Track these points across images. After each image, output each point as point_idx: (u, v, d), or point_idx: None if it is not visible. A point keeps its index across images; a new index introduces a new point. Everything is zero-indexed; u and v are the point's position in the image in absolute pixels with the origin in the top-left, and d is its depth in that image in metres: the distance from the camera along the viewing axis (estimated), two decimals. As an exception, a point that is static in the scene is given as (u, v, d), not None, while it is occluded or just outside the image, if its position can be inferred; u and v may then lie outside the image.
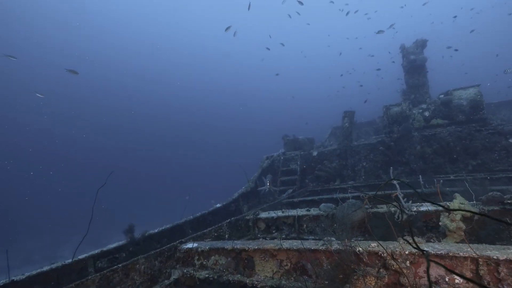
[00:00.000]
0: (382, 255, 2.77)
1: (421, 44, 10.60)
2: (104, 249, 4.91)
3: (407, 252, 2.68)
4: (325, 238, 3.31)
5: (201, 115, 74.76)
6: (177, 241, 4.16)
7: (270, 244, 3.46)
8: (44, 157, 52.57)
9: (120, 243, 5.25)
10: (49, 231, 32.26)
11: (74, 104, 57.94)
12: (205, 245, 3.97)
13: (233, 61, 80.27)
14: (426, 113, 8.53)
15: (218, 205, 8.13)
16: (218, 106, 77.04)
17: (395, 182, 4.52)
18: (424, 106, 9.00)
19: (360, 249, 2.89)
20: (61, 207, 39.93)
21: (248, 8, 15.64)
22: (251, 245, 3.58)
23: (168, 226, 6.26)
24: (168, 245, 4.05)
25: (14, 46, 50.76)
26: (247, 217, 5.66)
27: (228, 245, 3.75)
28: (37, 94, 14.52)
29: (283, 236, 5.25)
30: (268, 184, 5.87)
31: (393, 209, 4.55)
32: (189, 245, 4.08)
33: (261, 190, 6.59)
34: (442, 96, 8.89)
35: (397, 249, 2.72)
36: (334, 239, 3.30)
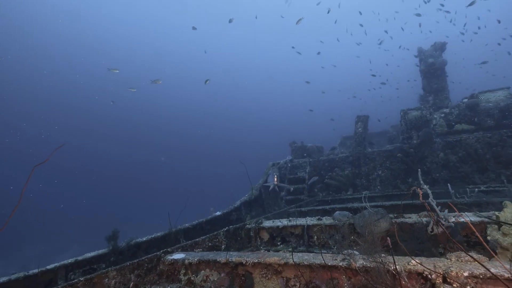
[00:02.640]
0: (429, 276, 2.00)
1: (440, 47, 9.93)
2: (79, 258, 4.21)
3: (466, 274, 1.91)
4: (346, 251, 2.54)
5: (206, 120, 74.18)
6: (161, 251, 3.42)
7: (273, 257, 2.70)
8: (44, 165, 52.43)
9: (100, 251, 4.54)
10: (49, 239, 31.65)
11: (71, 111, 58.12)
12: (194, 256, 3.23)
13: (244, 69, 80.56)
14: (450, 117, 7.74)
15: (218, 213, 7.36)
16: (224, 113, 76.70)
17: (425, 187, 3.76)
18: (446, 110, 8.22)
19: (397, 267, 2.12)
20: (61, 215, 39.45)
21: (230, 21, 15.42)
22: (250, 257, 2.83)
23: (158, 234, 5.53)
24: (149, 255, 3.31)
25: (15, 51, 51.61)
26: (248, 226, 4.89)
27: (222, 257, 3.00)
28: (130, 89, 13.97)
29: (290, 249, 4.46)
30: (275, 180, 5.02)
31: (425, 219, 3.75)
32: (175, 256, 3.34)
33: (268, 186, 5.71)
34: (466, 100, 8.12)
35: (451, 268, 1.95)
36: (357, 252, 2.53)
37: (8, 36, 49.97)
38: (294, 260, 2.57)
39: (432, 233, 3.54)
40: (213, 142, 71.27)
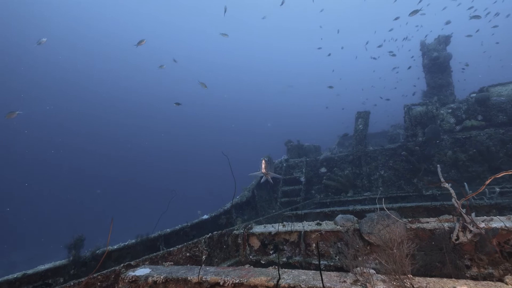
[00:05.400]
0: (488, 313, 1.34)
1: (444, 40, 9.39)
2: (29, 272, 3.47)
3: (547, 311, 1.25)
4: (357, 268, 1.87)
5: (199, 121, 72.87)
6: (122, 265, 2.72)
7: (260, 277, 2.02)
8: (32, 167, 50.92)
9: (57, 263, 3.81)
10: (35, 244, 30.48)
11: (58, 112, 56.64)
12: (161, 272, 2.53)
13: (237, 70, 79.80)
14: (458, 113, 7.16)
15: (205, 216, 6.65)
16: (216, 114, 75.55)
17: (447, 185, 3.13)
18: (453, 105, 7.64)
19: (437, 296, 1.46)
20: (49, 219, 38.19)
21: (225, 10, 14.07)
22: (230, 276, 2.14)
23: (133, 241, 4.80)
24: (105, 271, 2.61)
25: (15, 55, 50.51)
26: (236, 232, 4.21)
27: (194, 274, 2.31)
28: (160, 67, 12.70)
29: (284, 260, 3.78)
30: (262, 167, 3.98)
31: (446, 224, 3.10)
32: (138, 272, 2.64)
33: (256, 175, 4.59)
34: (474, 94, 7.55)
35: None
36: (373, 271, 1.86)
37: (7, 37, 48.97)
38: (287, 281, 1.89)
39: (458, 242, 2.89)
40: (204, 142, 70.09)
